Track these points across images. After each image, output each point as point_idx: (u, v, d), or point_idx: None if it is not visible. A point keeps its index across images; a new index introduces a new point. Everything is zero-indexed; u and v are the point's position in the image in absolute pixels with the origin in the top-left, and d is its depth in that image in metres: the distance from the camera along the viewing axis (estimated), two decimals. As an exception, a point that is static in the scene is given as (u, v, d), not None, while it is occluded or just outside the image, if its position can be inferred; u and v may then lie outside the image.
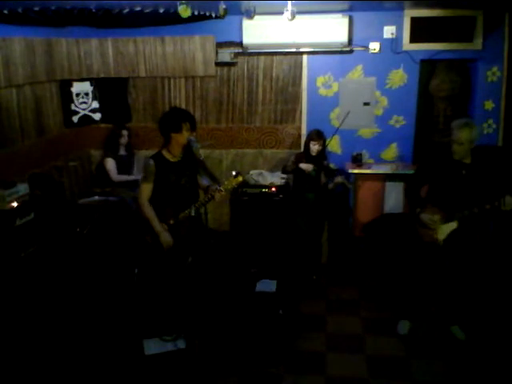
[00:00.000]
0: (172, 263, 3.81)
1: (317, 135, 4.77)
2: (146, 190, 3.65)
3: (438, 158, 3.75)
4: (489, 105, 5.15)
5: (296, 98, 5.43)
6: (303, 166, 4.79)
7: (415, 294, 4.03)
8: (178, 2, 3.75)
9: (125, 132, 5.29)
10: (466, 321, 4.01)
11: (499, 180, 3.63)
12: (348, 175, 5.17)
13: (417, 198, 3.84)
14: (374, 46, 5.14)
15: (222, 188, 3.66)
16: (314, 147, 4.76)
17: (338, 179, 4.77)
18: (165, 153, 3.68)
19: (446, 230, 3.66)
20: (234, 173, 3.75)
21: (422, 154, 5.25)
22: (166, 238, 3.64)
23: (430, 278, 3.93)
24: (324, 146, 4.83)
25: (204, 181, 3.89)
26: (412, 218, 3.86)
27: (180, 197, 3.72)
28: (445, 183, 3.67)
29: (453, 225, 3.64)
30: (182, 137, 3.60)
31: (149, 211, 3.64)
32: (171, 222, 3.70)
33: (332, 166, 5.09)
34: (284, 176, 5.27)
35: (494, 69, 5.07)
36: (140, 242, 3.86)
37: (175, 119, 3.60)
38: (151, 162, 3.62)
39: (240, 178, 3.72)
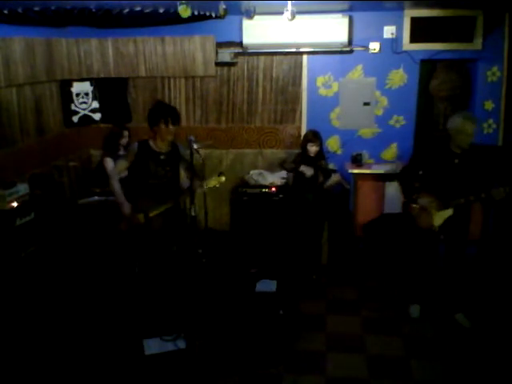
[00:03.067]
0: (157, 253, 3.90)
1: (313, 136, 4.77)
2: (120, 165, 3.93)
3: (433, 148, 3.98)
4: (489, 105, 5.15)
5: (296, 98, 5.42)
6: (304, 168, 4.79)
7: (421, 279, 4.20)
8: (178, 2, 3.75)
9: (126, 133, 5.28)
10: (471, 308, 4.18)
11: (489, 169, 3.87)
12: (347, 175, 5.18)
13: (411, 185, 4.03)
14: (374, 46, 5.14)
15: (204, 184, 3.89)
16: (312, 148, 4.75)
17: (334, 178, 4.75)
18: (151, 142, 3.89)
19: (442, 216, 3.86)
20: (218, 174, 4.04)
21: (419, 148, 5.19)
22: (125, 208, 3.83)
23: (428, 264, 4.12)
24: (321, 145, 4.83)
25: (184, 183, 4.01)
26: (406, 204, 4.09)
27: (157, 188, 3.87)
28: (439, 172, 3.88)
29: (448, 212, 3.83)
30: (160, 130, 3.78)
31: (115, 183, 3.88)
32: (141, 220, 3.79)
33: (330, 165, 5.09)
34: (284, 176, 5.28)
35: (494, 69, 5.07)
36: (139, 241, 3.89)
37: (154, 114, 3.82)
38: (135, 144, 3.89)
39: (223, 178, 4.00)
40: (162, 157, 3.87)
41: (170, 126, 3.76)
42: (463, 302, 4.16)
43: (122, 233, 3.95)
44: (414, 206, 3.97)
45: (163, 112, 3.78)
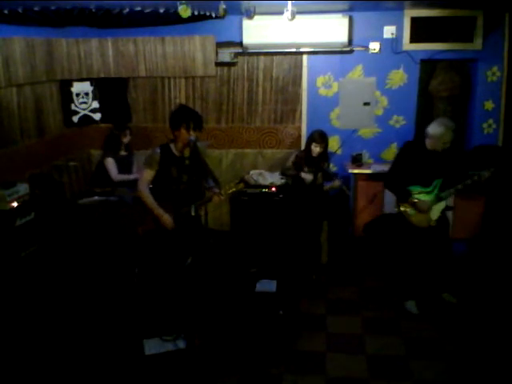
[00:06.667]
0: (171, 263, 3.83)
1: (319, 137, 4.68)
2: (147, 175, 3.76)
3: (412, 151, 4.21)
4: (489, 105, 5.15)
5: (296, 98, 5.43)
6: (305, 175, 4.79)
7: (418, 276, 4.37)
8: (178, 2, 3.75)
9: (128, 131, 5.30)
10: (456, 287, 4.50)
11: (462, 161, 4.33)
12: (347, 180, 5.18)
13: (401, 187, 4.20)
14: (374, 46, 5.14)
15: (222, 192, 3.77)
16: (316, 149, 4.70)
17: (335, 184, 4.72)
18: (172, 146, 3.78)
19: (437, 209, 4.15)
20: (238, 182, 3.95)
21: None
22: (167, 219, 3.72)
23: (425, 256, 4.32)
24: (326, 148, 4.80)
25: (210, 182, 3.92)
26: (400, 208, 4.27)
27: (180, 193, 3.78)
28: (423, 170, 4.12)
29: (442, 204, 4.16)
30: (181, 135, 3.68)
31: (147, 196, 3.74)
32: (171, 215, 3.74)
33: (332, 167, 5.08)
34: (283, 176, 5.27)
35: (494, 69, 5.07)
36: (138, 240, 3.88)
37: (176, 117, 3.71)
38: (158, 150, 3.75)
39: (241, 185, 3.93)
40: (186, 161, 3.75)
41: (191, 132, 3.65)
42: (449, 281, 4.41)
43: (138, 237, 3.89)
44: (405, 206, 4.18)
45: (185, 116, 3.66)
